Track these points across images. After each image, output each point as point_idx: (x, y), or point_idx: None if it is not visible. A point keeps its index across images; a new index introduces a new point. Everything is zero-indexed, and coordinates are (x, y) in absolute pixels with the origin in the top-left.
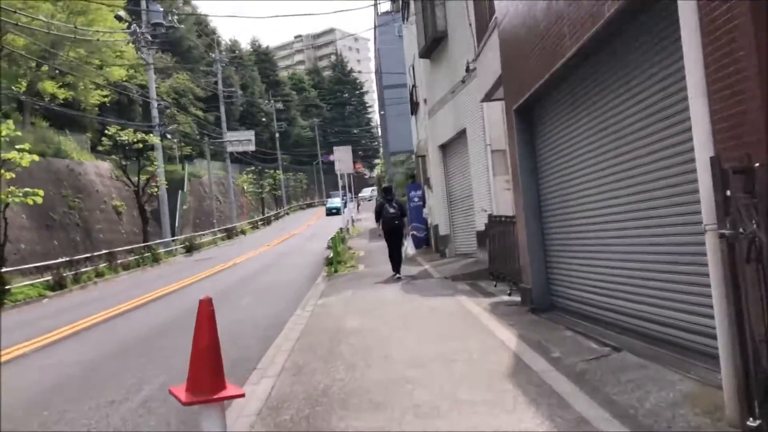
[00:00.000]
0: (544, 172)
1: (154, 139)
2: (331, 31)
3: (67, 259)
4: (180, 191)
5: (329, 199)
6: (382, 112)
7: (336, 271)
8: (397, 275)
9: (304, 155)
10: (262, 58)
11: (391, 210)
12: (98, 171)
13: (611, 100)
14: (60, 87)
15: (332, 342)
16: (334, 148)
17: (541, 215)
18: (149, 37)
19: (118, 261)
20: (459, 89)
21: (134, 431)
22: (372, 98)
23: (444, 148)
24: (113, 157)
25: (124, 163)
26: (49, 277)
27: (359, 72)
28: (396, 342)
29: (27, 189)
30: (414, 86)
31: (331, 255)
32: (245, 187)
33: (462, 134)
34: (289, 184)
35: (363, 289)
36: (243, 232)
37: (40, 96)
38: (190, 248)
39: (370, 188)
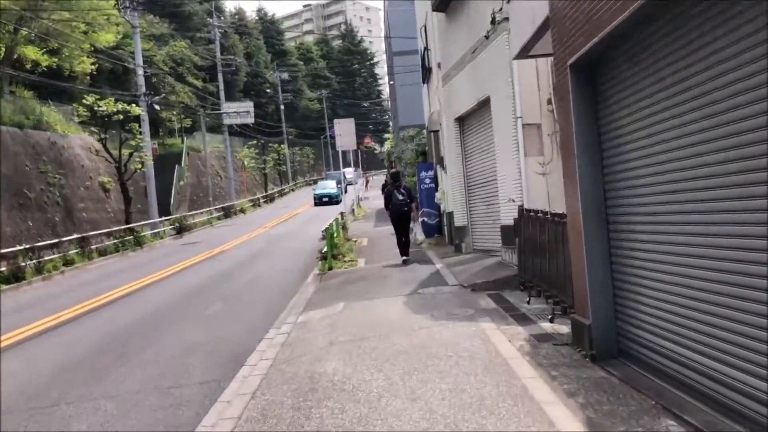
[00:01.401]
0: (613, 154)
1: (137, 109)
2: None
3: (27, 246)
4: (177, 166)
5: (321, 182)
6: (392, 82)
7: (330, 269)
8: (405, 258)
9: (311, 129)
10: (268, 26)
11: (400, 197)
12: (84, 144)
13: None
14: (44, 53)
15: (297, 411)
16: (335, 121)
17: (607, 216)
18: None
19: (93, 246)
20: (481, 48)
21: None
22: (383, 70)
23: (461, 121)
24: (92, 129)
25: (103, 136)
26: (4, 268)
27: (370, 42)
28: (391, 421)
29: None
30: (426, 49)
31: (326, 249)
32: (245, 162)
33: (484, 104)
34: (295, 159)
35: (358, 299)
36: (242, 211)
37: (20, 63)
38: (180, 230)
39: (352, 169)
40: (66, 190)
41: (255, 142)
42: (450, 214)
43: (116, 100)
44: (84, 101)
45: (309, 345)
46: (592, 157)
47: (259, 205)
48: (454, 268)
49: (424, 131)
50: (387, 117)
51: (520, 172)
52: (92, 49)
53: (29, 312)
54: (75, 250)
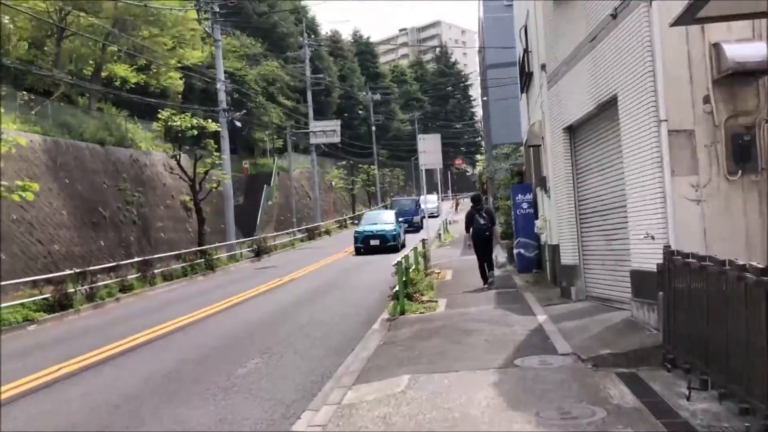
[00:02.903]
0: None
1: (213, 125)
2: (437, 23)
3: (78, 270)
4: (266, 186)
5: (369, 214)
6: (485, 98)
7: (402, 312)
8: (486, 285)
9: (402, 150)
10: (363, 49)
11: (482, 221)
12: (169, 162)
13: None
14: (132, 70)
15: None
16: (419, 136)
17: None
18: (215, 8)
19: (157, 269)
20: (605, 32)
21: None
22: (476, 91)
23: (572, 131)
24: (167, 146)
25: (176, 152)
26: (49, 294)
27: (465, 65)
28: None
29: (19, 181)
30: (526, 52)
31: (397, 287)
32: (334, 183)
33: (607, 106)
34: (385, 180)
35: (430, 369)
36: (327, 232)
37: (108, 80)
38: (258, 252)
39: (434, 197)
40: (144, 209)
41: (344, 162)
42: (554, 248)
43: (193, 116)
44: (159, 116)
45: None
46: None
47: (346, 226)
48: (564, 323)
49: (521, 148)
50: (479, 138)
51: (663, 198)
52: (179, 65)
53: (33, 359)
54: (134, 275)
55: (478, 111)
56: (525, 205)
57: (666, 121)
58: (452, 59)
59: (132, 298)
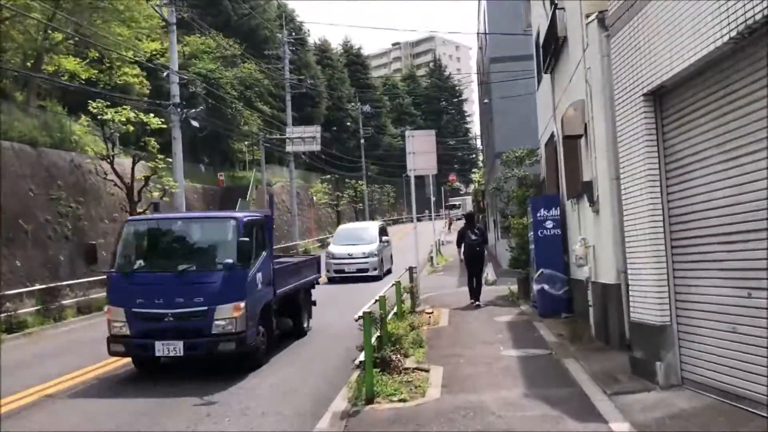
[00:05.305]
0: None
1: (155, 121)
2: (430, 38)
3: None
4: (240, 200)
5: None
6: (486, 100)
7: (371, 398)
8: (476, 303)
9: (393, 166)
10: (353, 60)
11: (473, 236)
12: (121, 169)
13: None
14: (84, 64)
15: None
16: (407, 133)
17: None
18: None
19: (65, 302)
20: None
21: None
22: (471, 108)
23: (661, 98)
24: (100, 146)
25: (109, 154)
26: None
27: (459, 80)
28: None
29: None
30: (556, 10)
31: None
32: (316, 198)
33: (746, 45)
34: (374, 197)
35: None
36: (306, 252)
37: (53, 73)
38: None
39: (375, 224)
40: (83, 222)
41: (329, 177)
42: (605, 289)
43: (132, 109)
44: (90, 108)
45: None
46: None
47: (328, 245)
48: None
49: (539, 150)
50: (474, 156)
51: None
52: (135, 59)
53: None
54: (36, 307)
55: (473, 128)
56: (549, 225)
57: None
58: (446, 73)
59: (22, 340)
